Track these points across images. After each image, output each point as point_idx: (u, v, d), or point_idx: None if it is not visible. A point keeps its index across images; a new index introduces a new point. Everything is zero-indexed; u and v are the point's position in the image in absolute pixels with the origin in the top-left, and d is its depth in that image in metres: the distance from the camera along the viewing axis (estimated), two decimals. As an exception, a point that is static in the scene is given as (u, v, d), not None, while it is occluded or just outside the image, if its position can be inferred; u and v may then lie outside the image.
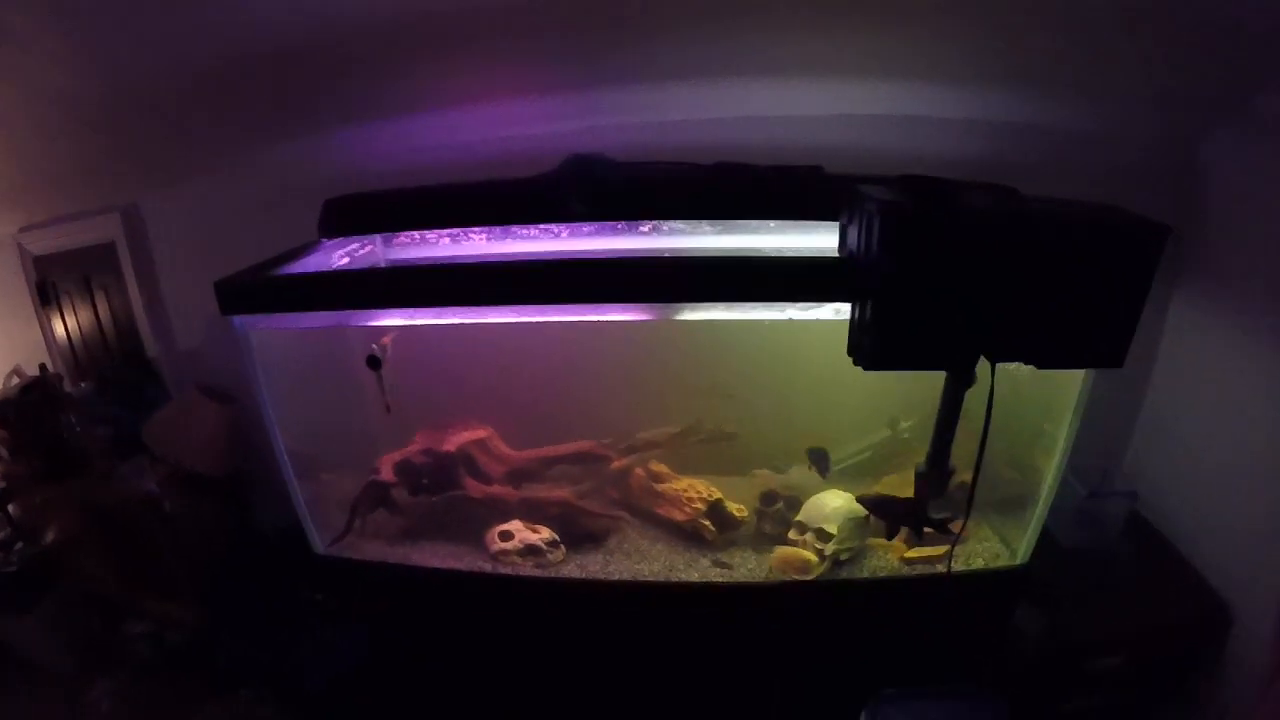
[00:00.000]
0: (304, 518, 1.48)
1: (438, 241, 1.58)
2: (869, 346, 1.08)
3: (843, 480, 1.55)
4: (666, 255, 1.44)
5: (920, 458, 1.51)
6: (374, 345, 1.32)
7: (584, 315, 1.24)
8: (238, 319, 1.31)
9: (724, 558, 1.44)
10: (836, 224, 1.37)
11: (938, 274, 1.02)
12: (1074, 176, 1.36)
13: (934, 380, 1.52)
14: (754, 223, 1.48)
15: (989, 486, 1.38)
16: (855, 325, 1.12)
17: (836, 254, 1.19)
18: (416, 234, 1.59)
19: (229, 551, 1.95)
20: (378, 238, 1.62)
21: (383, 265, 1.61)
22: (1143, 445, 1.74)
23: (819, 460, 1.54)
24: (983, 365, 1.10)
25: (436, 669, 1.56)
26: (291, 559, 1.91)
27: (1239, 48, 1.32)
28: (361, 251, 1.59)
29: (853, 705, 1.38)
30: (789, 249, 1.46)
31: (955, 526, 1.45)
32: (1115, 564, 1.60)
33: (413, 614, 1.53)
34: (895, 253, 1.01)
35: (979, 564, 1.44)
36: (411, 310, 1.29)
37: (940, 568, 1.42)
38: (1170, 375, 1.66)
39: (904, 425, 1.59)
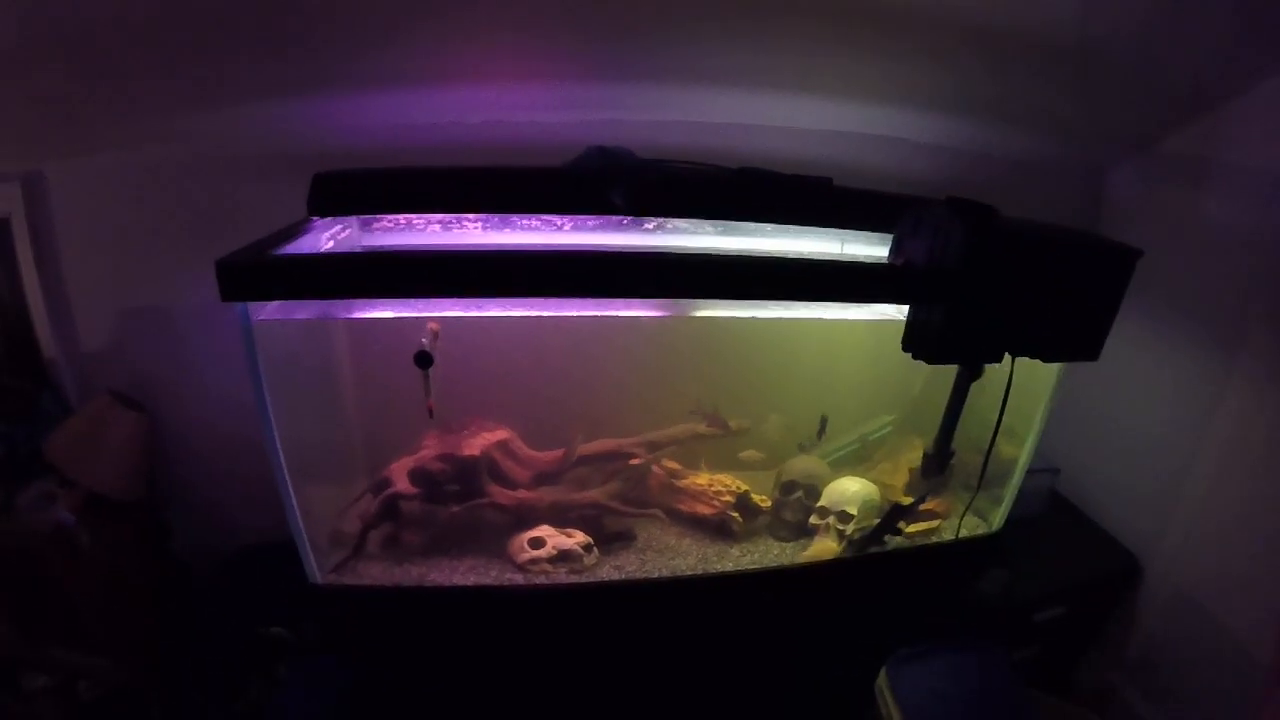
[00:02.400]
0: (301, 542, 1.23)
1: (425, 228, 1.40)
2: (933, 342, 1.15)
3: (838, 469, 1.59)
4: (698, 253, 1.39)
5: (902, 448, 1.64)
6: (424, 340, 1.13)
7: (641, 310, 1.17)
8: (241, 307, 1.07)
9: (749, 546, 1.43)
10: (838, 230, 1.47)
11: (990, 282, 1.12)
12: (1010, 195, 1.53)
13: (910, 384, 1.66)
14: (754, 225, 1.48)
15: (962, 469, 1.51)
16: (917, 324, 1.17)
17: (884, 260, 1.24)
18: (401, 219, 1.39)
19: (156, 588, 1.59)
20: (354, 221, 1.40)
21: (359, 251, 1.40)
22: (1056, 428, 1.97)
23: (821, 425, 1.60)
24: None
25: (455, 695, 1.38)
26: (236, 592, 1.65)
27: (1145, 97, 1.55)
28: (342, 235, 1.37)
29: (873, 665, 1.44)
30: (793, 253, 1.49)
31: (939, 506, 1.58)
32: (1041, 530, 1.81)
33: (429, 640, 1.34)
34: (970, 262, 1.09)
35: (964, 533, 1.54)
36: (459, 301, 1.13)
37: (935, 539, 1.53)
38: (1080, 371, 1.91)
39: (887, 420, 1.68)
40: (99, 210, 1.51)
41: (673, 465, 1.50)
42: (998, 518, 1.55)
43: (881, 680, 1.46)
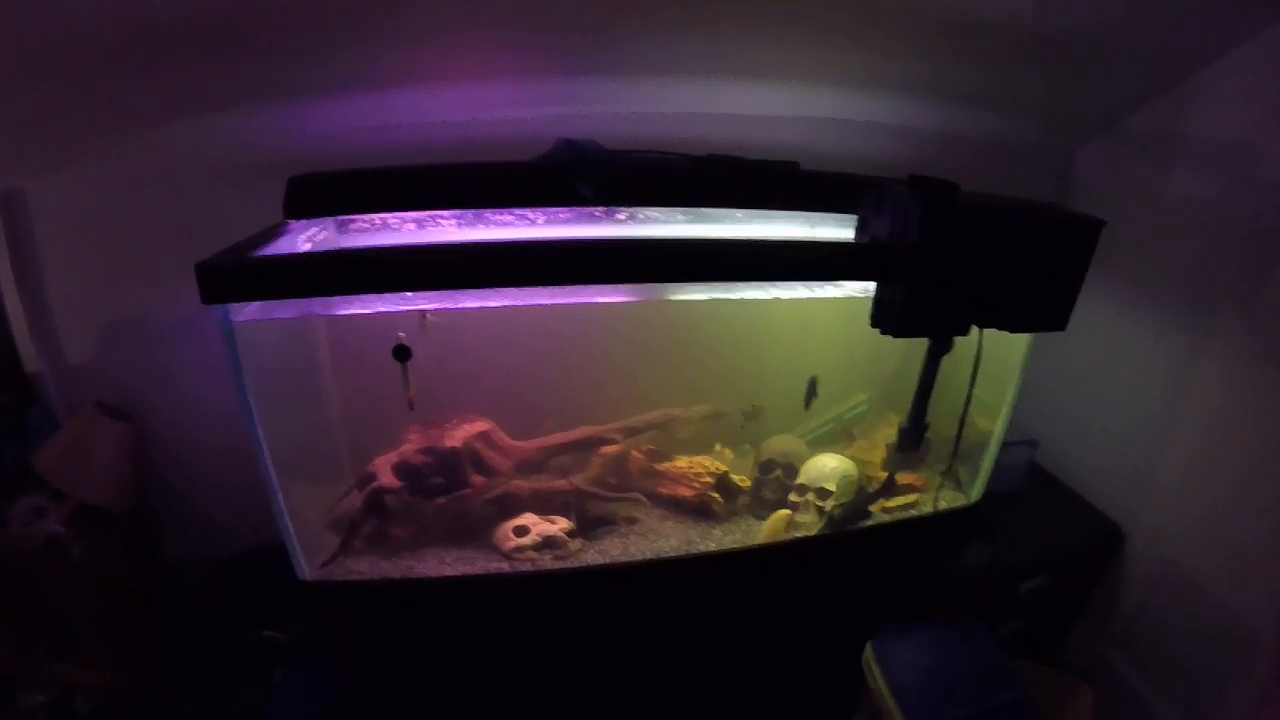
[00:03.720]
0: (290, 540, 1.26)
1: (400, 227, 1.44)
2: (899, 317, 1.19)
3: (815, 448, 1.63)
4: (670, 239, 1.43)
5: (878, 425, 1.69)
6: (400, 334, 1.17)
7: (615, 297, 1.21)
8: (222, 309, 1.11)
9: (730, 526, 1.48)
10: (806, 214, 1.51)
11: (953, 255, 1.16)
12: (980, 177, 1.58)
13: (883, 362, 1.70)
14: (724, 211, 1.53)
15: (938, 443, 1.56)
16: (883, 300, 1.21)
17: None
18: (377, 219, 1.43)
19: (148, 596, 1.63)
20: (330, 223, 1.44)
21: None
22: (1035, 402, 2.01)
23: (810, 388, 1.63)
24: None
25: (449, 689, 1.42)
26: (227, 597, 1.68)
27: (1109, 76, 1.60)
28: (319, 237, 1.41)
29: (860, 641, 1.48)
30: (766, 237, 1.53)
31: (917, 480, 1.63)
32: (1023, 503, 1.86)
33: (420, 633, 1.38)
34: (931, 237, 1.14)
35: (943, 505, 1.59)
36: (434, 294, 1.17)
37: (914, 513, 1.57)
38: (1057, 343, 1.96)
39: (862, 399, 1.72)
40: (79, 224, 1.55)
41: (650, 449, 1.54)
42: (976, 489, 1.60)
43: (868, 655, 1.51)
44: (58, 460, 1.48)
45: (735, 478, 1.50)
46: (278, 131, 1.52)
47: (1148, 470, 1.72)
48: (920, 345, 1.31)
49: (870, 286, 1.24)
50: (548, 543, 1.35)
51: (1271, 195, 1.45)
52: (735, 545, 1.42)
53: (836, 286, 1.34)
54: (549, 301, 1.22)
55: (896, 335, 1.21)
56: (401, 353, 1.17)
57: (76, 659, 1.51)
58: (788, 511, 1.47)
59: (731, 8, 1.39)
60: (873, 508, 1.53)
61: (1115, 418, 1.84)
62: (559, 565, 1.34)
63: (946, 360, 1.32)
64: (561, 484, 1.42)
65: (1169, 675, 1.69)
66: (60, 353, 1.60)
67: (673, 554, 1.39)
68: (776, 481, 1.51)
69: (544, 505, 1.40)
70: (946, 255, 1.16)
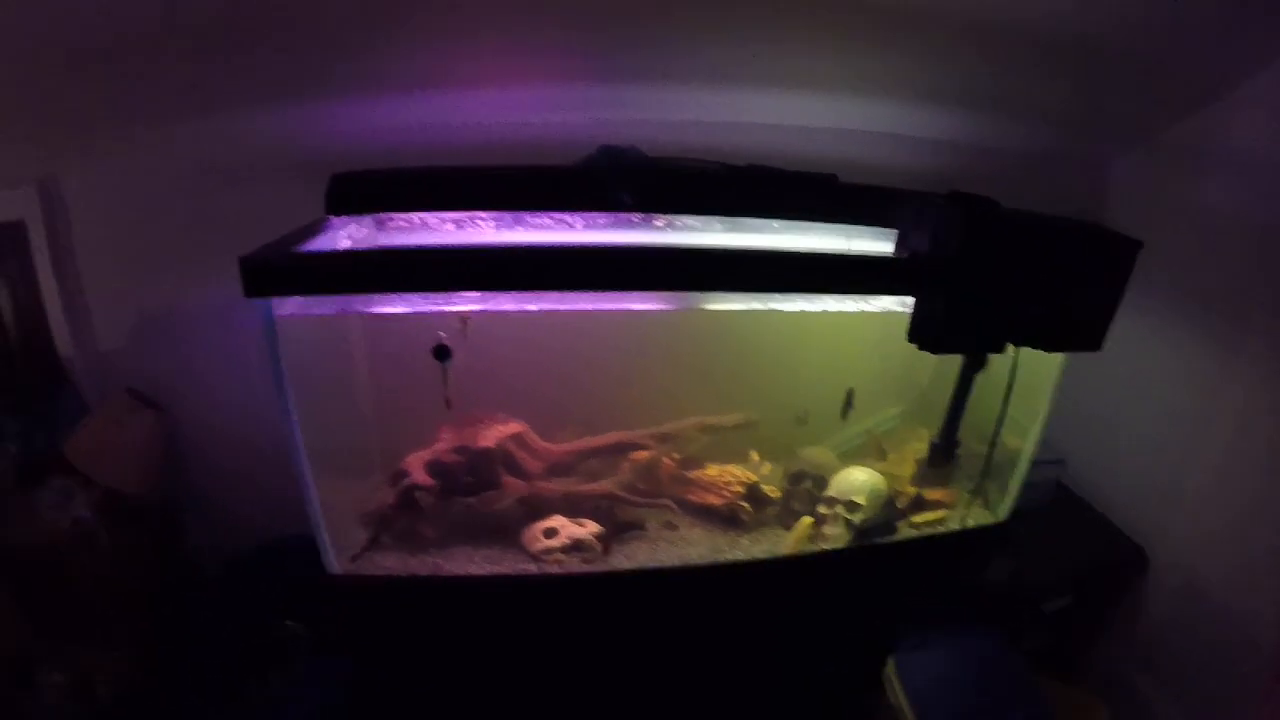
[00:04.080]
0: (320, 533, 1.27)
1: (439, 227, 1.45)
2: (936, 332, 1.19)
3: (846, 460, 1.63)
4: (708, 248, 1.43)
5: (909, 440, 1.69)
6: (441, 334, 1.18)
7: (657, 305, 1.22)
8: (264, 303, 1.12)
9: (753, 536, 1.47)
10: (845, 226, 1.51)
11: (991, 272, 1.17)
12: (1015, 189, 1.58)
13: (916, 376, 1.70)
14: (761, 222, 1.53)
15: (968, 460, 1.55)
16: (920, 316, 1.21)
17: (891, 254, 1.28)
18: (416, 218, 1.44)
19: (172, 585, 1.64)
20: (369, 220, 1.45)
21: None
22: (1060, 420, 2.01)
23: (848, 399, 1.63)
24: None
25: (471, 686, 1.42)
26: (247, 588, 1.69)
27: (1147, 89, 1.60)
28: (360, 235, 1.42)
29: (882, 654, 1.48)
30: (804, 248, 1.53)
31: (946, 496, 1.63)
32: (1048, 521, 1.86)
33: (445, 630, 1.38)
34: (970, 254, 1.14)
35: (971, 523, 1.59)
36: (474, 295, 1.17)
37: (941, 529, 1.57)
38: (1086, 363, 1.96)
39: (893, 413, 1.73)
40: (114, 214, 1.57)
41: (679, 457, 1.55)
42: (1004, 508, 1.59)
43: (890, 669, 1.51)
44: (87, 446, 1.50)
45: (765, 488, 1.50)
46: (315, 129, 1.53)
47: (1173, 491, 1.72)
48: (954, 361, 1.32)
49: (907, 301, 1.25)
50: (576, 545, 1.35)
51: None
52: (762, 555, 1.42)
53: (872, 300, 1.34)
54: (585, 307, 1.22)
55: (934, 351, 1.21)
56: (442, 352, 1.17)
57: (97, 644, 1.52)
58: (811, 519, 1.47)
59: (770, 15, 1.39)
60: (900, 524, 1.53)
61: (1141, 437, 1.83)
62: (586, 569, 1.35)
63: (979, 377, 1.32)
64: (593, 487, 1.42)
65: (1189, 695, 1.69)
66: (93, 340, 1.62)
67: (700, 561, 1.39)
68: (806, 493, 1.51)
69: (574, 508, 1.40)
70: (985, 272, 1.16)
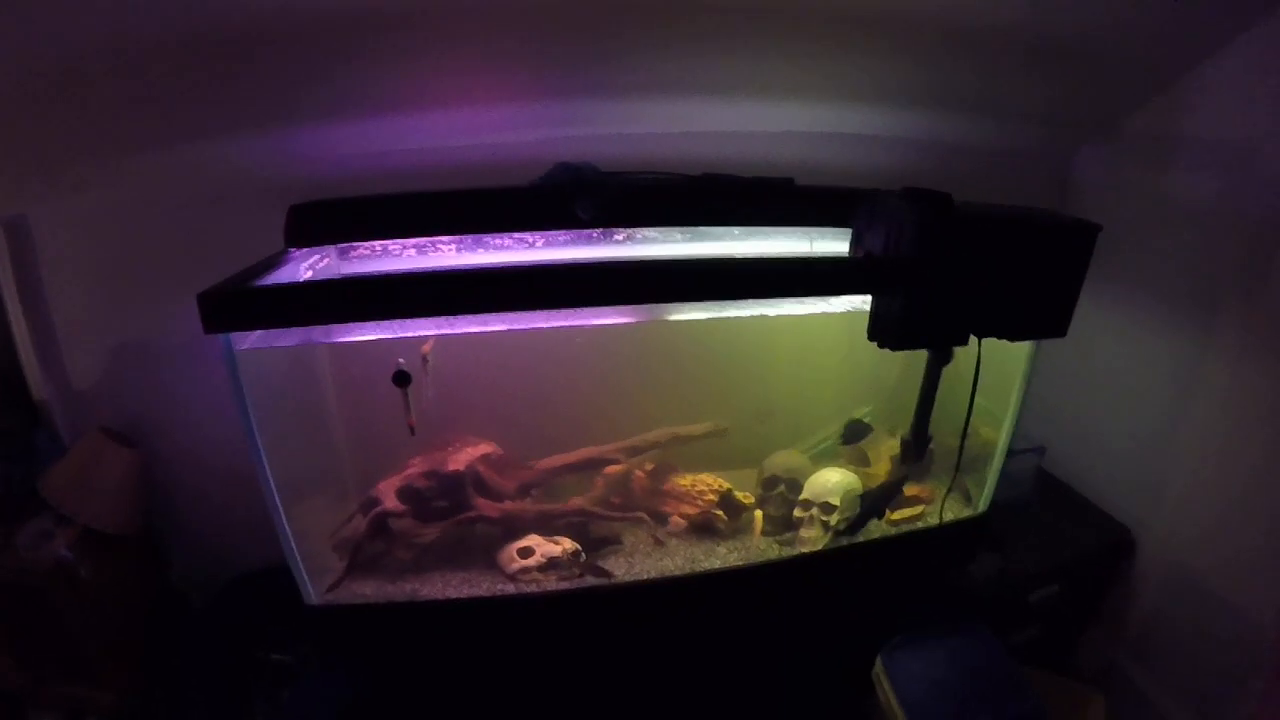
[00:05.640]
0: (295, 565, 1.28)
1: (401, 253, 1.46)
2: (896, 329, 1.20)
3: (817, 462, 1.64)
4: (666, 260, 1.45)
5: (881, 438, 1.69)
6: (400, 360, 1.19)
7: (620, 318, 1.23)
8: (224, 338, 1.13)
9: (730, 544, 1.48)
10: (802, 229, 1.53)
11: (948, 266, 1.17)
12: (977, 184, 1.59)
13: (885, 375, 1.71)
14: (721, 230, 1.54)
15: (944, 454, 1.56)
16: (880, 313, 1.22)
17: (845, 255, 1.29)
18: (378, 245, 1.45)
19: (156, 620, 1.64)
20: (332, 250, 1.46)
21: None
22: (1041, 409, 1.98)
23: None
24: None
25: (455, 710, 1.43)
26: (233, 619, 1.69)
27: (1103, 79, 1.61)
28: (321, 265, 1.43)
29: (869, 654, 1.48)
30: (764, 254, 1.54)
31: (924, 492, 1.63)
32: (1031, 510, 1.86)
33: (427, 655, 1.39)
34: (925, 248, 1.15)
35: (950, 516, 1.58)
36: (439, 320, 1.18)
37: (920, 524, 1.57)
38: (1060, 350, 1.96)
39: (864, 411, 1.73)
40: (82, 251, 1.58)
41: (654, 468, 1.55)
42: (983, 499, 1.60)
43: (877, 668, 1.51)
44: (63, 484, 1.51)
45: (739, 495, 1.50)
46: (278, 157, 1.54)
47: (1157, 473, 1.72)
48: (921, 358, 1.32)
49: (868, 299, 1.25)
50: (552, 564, 1.36)
51: (1269, 191, 1.45)
52: (740, 562, 1.43)
53: (833, 301, 1.34)
54: (549, 325, 1.23)
55: (894, 348, 1.22)
56: (401, 378, 1.18)
57: (84, 679, 1.53)
58: (762, 513, 1.50)
59: (722, 26, 1.40)
60: (879, 521, 1.53)
61: (1122, 422, 1.83)
62: (564, 586, 1.35)
63: (949, 371, 1.32)
64: (565, 505, 1.43)
65: (1182, 681, 1.68)
66: (66, 378, 1.63)
67: (677, 572, 1.39)
68: (780, 497, 1.52)
69: (548, 526, 1.41)
70: (942, 266, 1.16)
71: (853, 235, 1.28)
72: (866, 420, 1.72)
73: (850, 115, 1.64)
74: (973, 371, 1.37)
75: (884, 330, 1.22)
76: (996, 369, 1.48)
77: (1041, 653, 1.80)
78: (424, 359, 1.22)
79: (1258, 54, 1.45)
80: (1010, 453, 1.71)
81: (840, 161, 1.67)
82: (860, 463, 1.65)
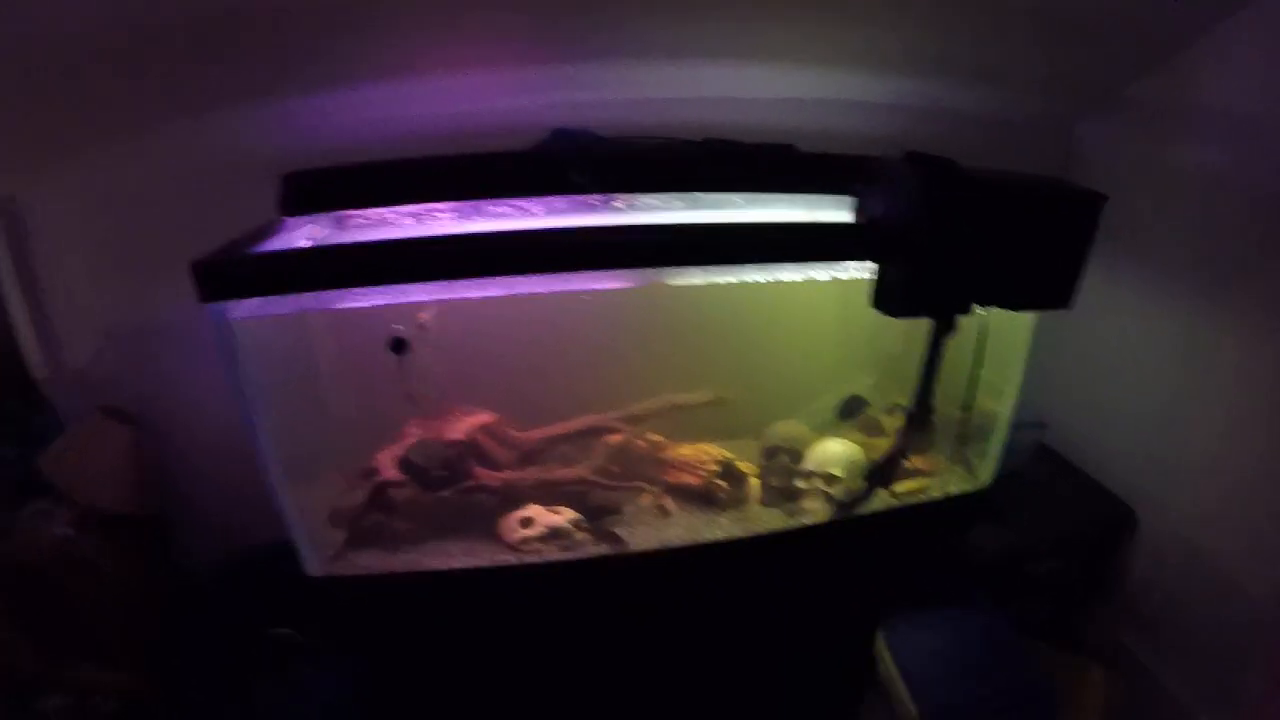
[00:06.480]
0: (297, 537, 1.28)
1: (398, 221, 1.44)
2: (899, 297, 1.18)
3: (819, 433, 1.63)
4: (666, 223, 1.42)
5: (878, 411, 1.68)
6: (397, 326, 1.18)
7: (619, 283, 1.22)
8: (218, 307, 1.12)
9: (732, 514, 1.48)
10: (805, 196, 1.50)
11: (952, 233, 1.15)
12: (979, 152, 1.57)
13: (887, 345, 1.69)
14: (722, 196, 1.52)
15: (948, 428, 1.55)
16: (883, 280, 1.21)
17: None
18: (374, 214, 1.44)
19: (158, 596, 1.64)
20: (327, 218, 1.44)
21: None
22: (1045, 384, 1.99)
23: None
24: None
25: (458, 680, 1.43)
26: (239, 595, 1.69)
27: (1108, 45, 1.58)
28: (316, 233, 1.41)
29: (871, 627, 1.48)
30: (769, 221, 1.53)
31: (926, 464, 1.62)
32: (1032, 484, 1.85)
33: (429, 627, 1.39)
34: (929, 215, 1.13)
35: (953, 490, 1.58)
36: (432, 285, 1.17)
37: (924, 497, 1.56)
38: (1064, 324, 1.94)
39: (867, 382, 1.72)
40: (77, 229, 1.56)
41: (655, 437, 1.54)
42: (986, 472, 1.59)
43: (880, 641, 1.51)
44: (63, 464, 1.50)
45: (741, 465, 1.50)
46: (271, 128, 1.53)
47: (1161, 450, 1.71)
48: (924, 327, 1.31)
49: (872, 267, 1.24)
50: (554, 533, 1.35)
51: (1278, 162, 1.43)
52: (741, 533, 1.42)
53: (836, 268, 1.33)
54: (547, 289, 1.22)
55: (897, 316, 1.21)
56: (398, 345, 1.17)
57: (93, 660, 1.53)
58: (759, 479, 1.51)
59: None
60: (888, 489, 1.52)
61: (1127, 397, 1.82)
62: (565, 556, 1.35)
63: (951, 342, 1.30)
64: (565, 474, 1.42)
65: (1185, 657, 1.68)
66: (64, 357, 1.62)
67: (679, 542, 1.39)
68: (782, 467, 1.51)
69: (548, 496, 1.40)
70: (946, 233, 1.15)
71: (856, 201, 1.27)
72: (865, 394, 1.71)
73: (851, 80, 1.62)
74: (975, 344, 1.36)
75: (887, 298, 1.21)
76: (999, 341, 1.48)
77: (1045, 628, 1.80)
78: (421, 327, 1.21)
79: (1267, 21, 1.42)
80: (1012, 427, 1.74)
81: (841, 128, 1.65)
82: (873, 432, 1.64)
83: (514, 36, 1.44)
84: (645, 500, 1.46)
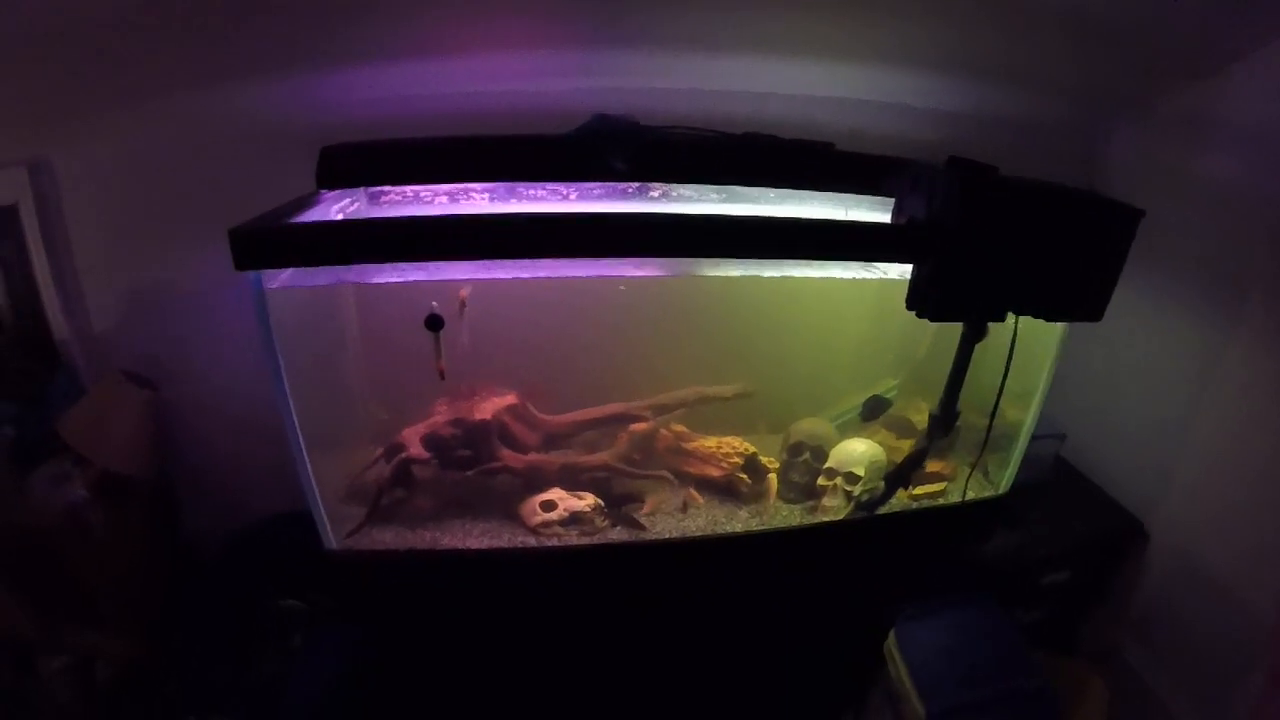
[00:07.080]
0: (316, 509, 1.27)
1: (432, 200, 1.44)
2: (935, 300, 1.18)
3: (842, 433, 1.63)
4: (704, 215, 1.42)
5: (907, 411, 1.68)
6: (433, 302, 1.17)
7: (653, 271, 1.21)
8: (254, 276, 1.11)
9: (752, 508, 1.48)
10: (841, 195, 1.50)
11: (991, 239, 1.15)
12: (1009, 157, 1.57)
13: (914, 347, 1.69)
14: (758, 191, 1.52)
15: (970, 434, 1.55)
16: (919, 282, 1.20)
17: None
18: (409, 190, 1.43)
19: (167, 564, 1.64)
20: (362, 194, 1.44)
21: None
22: (1061, 395, 2.01)
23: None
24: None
25: (469, 660, 1.43)
26: (245, 566, 1.69)
27: (1146, 58, 1.58)
28: (351, 208, 1.41)
29: (882, 626, 1.48)
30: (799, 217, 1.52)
31: (946, 469, 1.63)
32: (1047, 495, 1.85)
33: (444, 605, 1.39)
34: (969, 220, 1.13)
35: (971, 496, 1.58)
36: (466, 264, 1.16)
37: (941, 501, 1.57)
38: (1085, 336, 1.94)
39: (892, 383, 1.72)
40: (105, 193, 1.56)
41: (679, 429, 1.54)
42: (1004, 481, 1.59)
43: (890, 640, 1.51)
44: (81, 426, 1.49)
45: (764, 459, 1.50)
46: (304, 100, 1.51)
47: (1170, 464, 1.70)
48: (952, 332, 1.31)
49: (906, 269, 1.24)
50: (574, 518, 1.35)
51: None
52: (761, 526, 1.42)
53: (870, 268, 1.33)
54: (570, 275, 1.21)
55: (933, 319, 1.20)
56: (434, 322, 1.17)
57: (96, 625, 1.53)
58: (778, 477, 1.50)
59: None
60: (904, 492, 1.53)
61: (1139, 410, 1.81)
62: (585, 541, 1.35)
63: (979, 349, 1.30)
64: (589, 460, 1.42)
65: (1184, 668, 1.68)
66: (87, 320, 1.62)
67: (698, 533, 1.39)
68: (805, 464, 1.51)
69: (571, 480, 1.40)
70: (985, 239, 1.15)
71: (896, 202, 1.26)
72: (892, 395, 1.71)
73: (890, 81, 1.61)
74: (1001, 350, 1.36)
75: (923, 300, 1.20)
76: (1026, 350, 1.48)
77: (1046, 634, 1.81)
78: (461, 304, 1.20)
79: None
80: (1033, 437, 1.74)
81: (877, 129, 1.64)
82: (905, 433, 1.64)
83: (552, 19, 1.42)
84: (671, 494, 1.47)
